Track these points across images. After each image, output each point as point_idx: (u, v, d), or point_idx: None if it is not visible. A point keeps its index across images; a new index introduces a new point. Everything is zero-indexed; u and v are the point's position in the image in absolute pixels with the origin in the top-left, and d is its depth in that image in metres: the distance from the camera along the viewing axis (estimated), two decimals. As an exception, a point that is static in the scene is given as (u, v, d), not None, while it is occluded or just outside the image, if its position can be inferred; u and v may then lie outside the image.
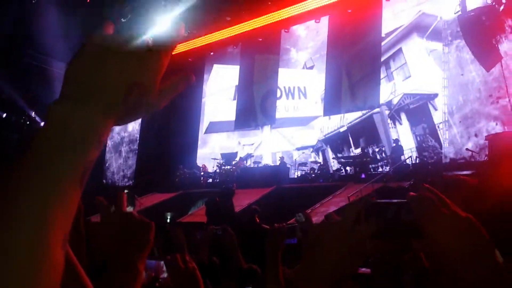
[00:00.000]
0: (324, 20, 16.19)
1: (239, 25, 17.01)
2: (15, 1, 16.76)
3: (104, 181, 19.22)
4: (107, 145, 19.49)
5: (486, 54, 11.97)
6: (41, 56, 18.59)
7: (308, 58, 17.02)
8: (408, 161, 12.58)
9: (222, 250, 3.70)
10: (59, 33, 16.83)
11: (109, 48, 0.54)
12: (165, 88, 0.58)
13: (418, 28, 14.36)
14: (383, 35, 14.87)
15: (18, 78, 17.89)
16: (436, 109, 13.31)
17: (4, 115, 18.12)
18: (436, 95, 13.32)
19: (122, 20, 17.59)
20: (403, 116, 14.12)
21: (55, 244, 0.47)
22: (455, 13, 12.90)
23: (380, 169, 12.99)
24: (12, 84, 17.42)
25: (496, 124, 11.50)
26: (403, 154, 13.13)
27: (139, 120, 15.57)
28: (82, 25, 17.48)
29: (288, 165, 14.76)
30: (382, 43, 14.81)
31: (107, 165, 19.69)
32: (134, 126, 19.07)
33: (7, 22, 16.88)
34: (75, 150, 0.50)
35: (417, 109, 13.80)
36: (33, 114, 18.79)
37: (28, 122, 18.76)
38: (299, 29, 17.37)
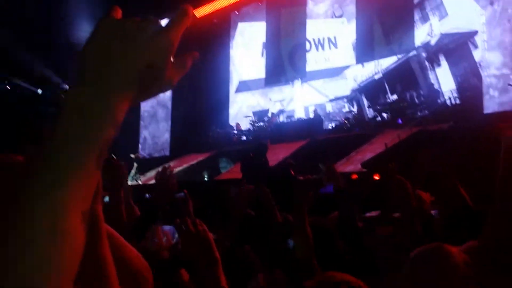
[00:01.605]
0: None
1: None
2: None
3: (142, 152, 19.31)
4: (141, 116, 19.55)
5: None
6: (70, 33, 18.89)
7: (329, 8, 16.33)
8: (448, 103, 12.04)
9: (259, 207, 3.74)
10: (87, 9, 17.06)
11: (121, 31, 0.56)
12: (175, 66, 0.59)
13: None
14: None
15: (51, 56, 18.35)
16: (476, 47, 12.56)
17: (40, 91, 18.75)
18: (476, 32, 12.53)
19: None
20: (441, 57, 13.35)
21: (74, 221, 0.49)
22: None
23: (419, 113, 12.52)
24: (45, 62, 17.94)
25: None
26: (442, 96, 12.57)
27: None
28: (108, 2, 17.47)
29: (322, 117, 14.50)
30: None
31: (142, 136, 19.79)
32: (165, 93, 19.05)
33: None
34: (92, 131, 0.52)
35: (457, 49, 12.98)
36: (68, 88, 19.27)
37: (63, 96, 19.28)
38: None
